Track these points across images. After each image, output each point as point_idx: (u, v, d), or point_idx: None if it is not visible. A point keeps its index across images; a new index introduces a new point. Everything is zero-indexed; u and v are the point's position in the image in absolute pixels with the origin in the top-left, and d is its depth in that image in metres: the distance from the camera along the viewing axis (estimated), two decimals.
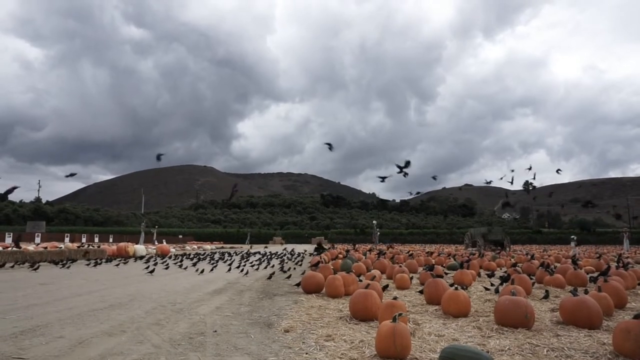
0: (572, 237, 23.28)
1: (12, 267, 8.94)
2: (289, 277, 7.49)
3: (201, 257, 14.09)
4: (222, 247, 33.64)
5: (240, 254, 15.81)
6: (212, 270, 9.31)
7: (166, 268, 9.69)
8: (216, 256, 14.66)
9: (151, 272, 8.37)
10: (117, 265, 10.57)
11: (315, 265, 6.66)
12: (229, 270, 9.21)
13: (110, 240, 34.80)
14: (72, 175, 16.52)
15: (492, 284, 6.04)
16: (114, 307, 4.38)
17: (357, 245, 26.52)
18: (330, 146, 7.38)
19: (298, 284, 5.90)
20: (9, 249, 13.12)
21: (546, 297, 5.04)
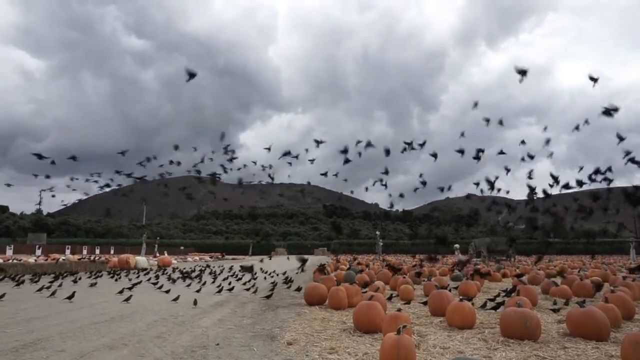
0: (456, 245, 22.19)
1: (14, 278, 8.91)
2: (289, 287, 7.43)
3: (202, 269, 14.03)
4: (224, 258, 33.49)
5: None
6: (213, 282, 9.26)
7: (168, 280, 9.64)
8: (217, 269, 14.58)
9: (154, 284, 8.33)
10: (119, 277, 10.52)
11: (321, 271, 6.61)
12: (230, 282, 9.15)
13: (112, 252, 34.75)
14: None
15: (488, 301, 5.63)
16: (115, 320, 4.34)
17: (359, 257, 26.32)
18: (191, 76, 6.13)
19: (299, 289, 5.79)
20: (10, 261, 13.11)
21: (556, 310, 4.90)
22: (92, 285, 8.20)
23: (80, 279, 9.22)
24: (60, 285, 7.70)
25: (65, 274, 10.82)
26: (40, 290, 6.95)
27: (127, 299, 5.85)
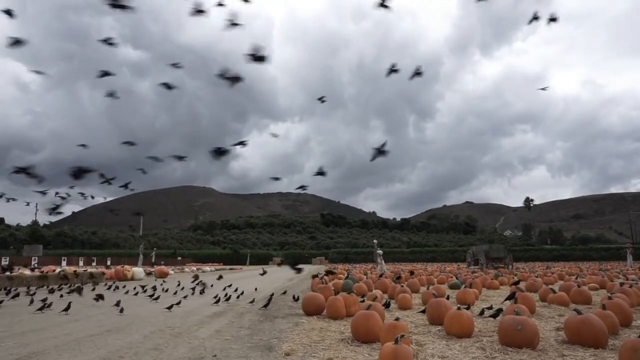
0: (379, 252, 20.14)
1: (8, 292, 8.81)
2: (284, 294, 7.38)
3: (199, 280, 13.91)
4: (222, 269, 33.22)
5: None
6: (210, 292, 9.18)
7: (165, 291, 9.55)
8: (213, 278, 14.45)
9: (150, 295, 8.25)
10: (116, 288, 10.41)
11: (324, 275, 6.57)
12: (227, 293, 9.07)
13: (108, 263, 34.39)
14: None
15: (485, 309, 5.53)
16: (111, 332, 4.30)
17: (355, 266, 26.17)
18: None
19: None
20: (4, 274, 12.96)
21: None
22: (88, 296, 8.11)
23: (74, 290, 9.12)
24: (60, 296, 7.62)
25: (61, 286, 10.70)
26: (35, 302, 6.88)
27: (123, 311, 5.80)
